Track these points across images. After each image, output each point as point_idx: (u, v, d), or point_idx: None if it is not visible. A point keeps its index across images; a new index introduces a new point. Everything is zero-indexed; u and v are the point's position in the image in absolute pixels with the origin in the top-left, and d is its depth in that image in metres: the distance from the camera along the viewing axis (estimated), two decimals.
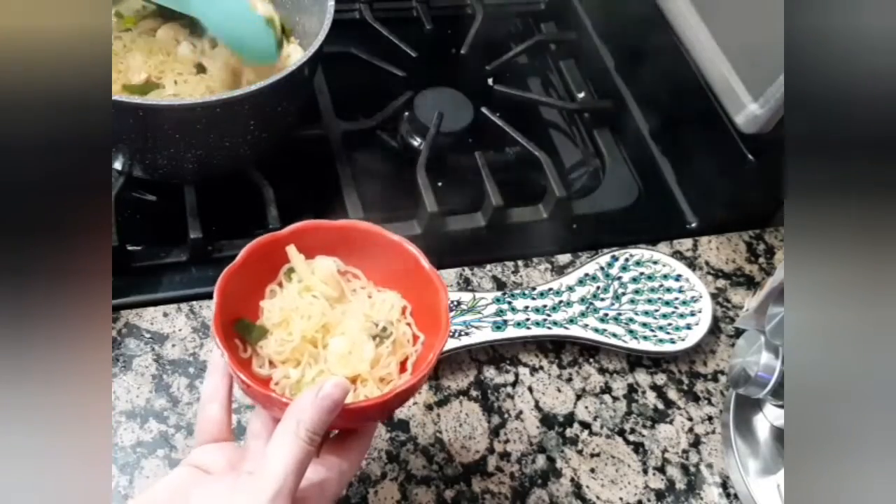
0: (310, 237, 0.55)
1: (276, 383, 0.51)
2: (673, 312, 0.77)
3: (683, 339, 0.75)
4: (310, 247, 0.55)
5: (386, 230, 0.56)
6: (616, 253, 0.80)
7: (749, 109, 0.80)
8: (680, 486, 0.69)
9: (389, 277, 0.56)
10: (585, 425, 0.71)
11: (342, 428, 0.50)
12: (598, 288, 0.77)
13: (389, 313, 0.54)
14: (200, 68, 0.76)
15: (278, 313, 0.53)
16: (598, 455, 0.69)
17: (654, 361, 0.76)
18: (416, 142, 0.89)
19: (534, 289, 0.76)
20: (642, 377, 0.75)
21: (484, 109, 0.91)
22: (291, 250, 0.54)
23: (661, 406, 0.73)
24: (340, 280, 0.55)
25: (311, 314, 0.52)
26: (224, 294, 0.50)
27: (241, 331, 0.52)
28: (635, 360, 0.76)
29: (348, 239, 0.56)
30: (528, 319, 0.74)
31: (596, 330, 0.74)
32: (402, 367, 0.53)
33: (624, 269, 0.79)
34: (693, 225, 0.88)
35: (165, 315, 0.70)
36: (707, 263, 0.84)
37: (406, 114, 0.90)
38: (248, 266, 0.52)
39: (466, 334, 0.71)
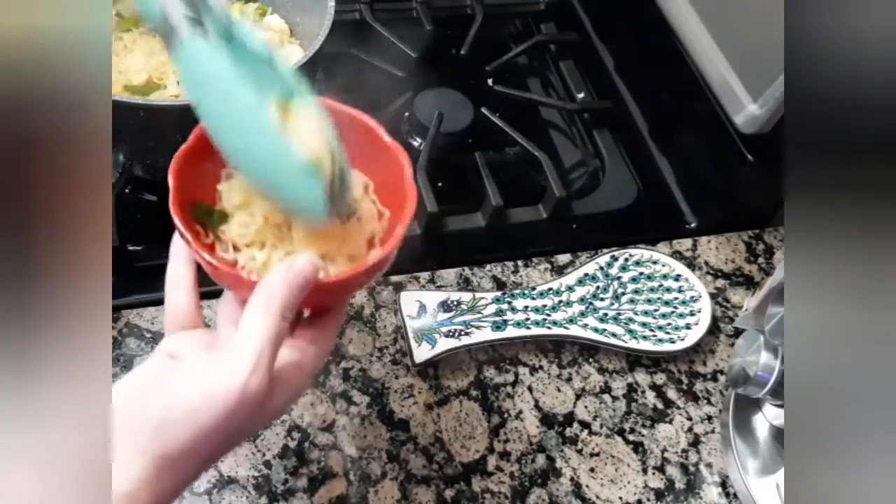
0: None
1: (242, 267, 0.49)
2: (672, 312, 0.77)
3: (683, 339, 0.75)
4: None
5: (340, 104, 0.54)
6: (616, 253, 0.80)
7: (748, 110, 0.80)
8: (679, 485, 0.69)
9: (350, 155, 0.52)
10: (585, 425, 0.71)
11: (313, 306, 0.50)
12: (597, 288, 0.77)
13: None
14: None
15: (238, 195, 0.50)
16: (597, 454, 0.69)
17: (654, 361, 0.76)
18: (416, 142, 0.89)
19: (533, 289, 0.76)
20: (642, 377, 0.75)
21: (484, 110, 0.91)
22: None
23: (660, 406, 0.73)
24: None
25: None
26: (180, 176, 0.48)
27: (201, 217, 0.50)
28: (635, 359, 0.76)
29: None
30: (527, 319, 0.74)
31: (595, 330, 0.74)
32: (370, 244, 0.52)
33: (623, 268, 0.79)
34: (692, 225, 0.88)
35: None
36: (706, 263, 0.84)
37: (406, 114, 0.90)
38: (203, 149, 0.49)
39: (466, 334, 0.71)
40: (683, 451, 0.71)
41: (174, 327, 0.50)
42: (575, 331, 0.74)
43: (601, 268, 0.79)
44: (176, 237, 0.49)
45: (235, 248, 0.50)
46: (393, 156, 0.53)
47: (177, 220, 0.47)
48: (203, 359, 0.45)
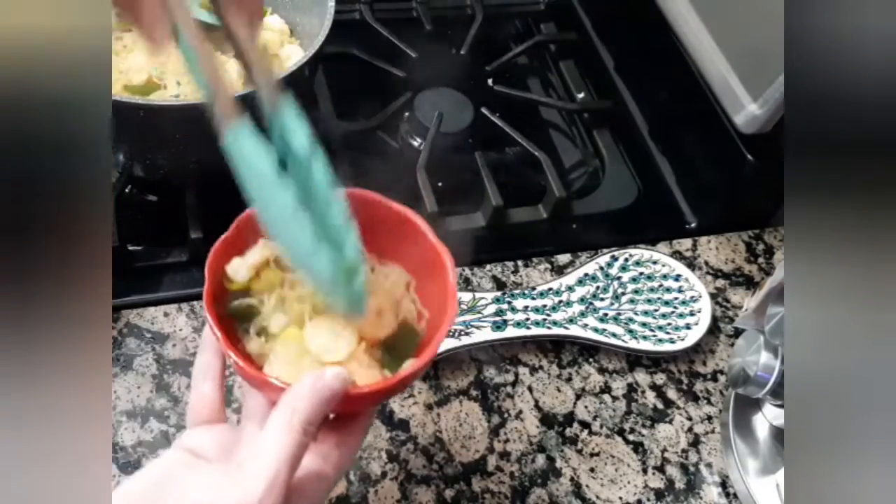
0: None
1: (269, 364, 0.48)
2: (672, 312, 0.77)
3: (683, 339, 0.75)
4: None
5: (387, 198, 0.53)
6: (616, 253, 0.80)
7: (748, 109, 0.80)
8: (679, 485, 0.69)
9: (391, 250, 0.53)
10: (585, 425, 0.71)
11: (341, 413, 0.48)
12: (597, 288, 0.78)
13: (393, 290, 0.52)
14: None
15: (244, 271, 0.49)
16: (597, 454, 0.69)
17: (654, 361, 0.76)
18: (416, 142, 0.89)
19: (533, 289, 0.76)
20: (642, 377, 0.75)
21: (484, 110, 0.91)
22: None
23: (660, 406, 0.73)
24: None
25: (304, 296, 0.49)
26: (215, 269, 0.48)
27: (233, 311, 0.50)
28: (635, 359, 0.76)
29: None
30: (527, 319, 0.74)
31: (595, 330, 0.74)
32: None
33: (623, 268, 0.79)
34: (692, 225, 0.88)
35: (166, 315, 0.70)
36: (706, 263, 0.84)
37: (406, 114, 0.90)
38: (239, 240, 0.50)
39: (466, 334, 0.71)
40: (683, 451, 0.71)
41: (197, 420, 0.49)
42: (575, 331, 0.74)
43: (601, 268, 0.79)
44: (206, 328, 0.49)
45: (266, 334, 0.49)
46: (437, 256, 0.51)
47: (208, 316, 0.46)
48: (221, 464, 0.45)
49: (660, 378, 0.75)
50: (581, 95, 1.00)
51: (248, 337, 0.49)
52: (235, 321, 0.49)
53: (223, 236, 0.49)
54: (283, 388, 0.44)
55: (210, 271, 0.48)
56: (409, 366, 0.48)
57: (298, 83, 0.73)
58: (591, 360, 0.75)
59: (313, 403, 0.43)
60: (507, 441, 0.69)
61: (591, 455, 0.69)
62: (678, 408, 0.73)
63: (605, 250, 0.81)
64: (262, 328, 0.49)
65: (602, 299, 0.77)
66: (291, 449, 0.42)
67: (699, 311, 0.77)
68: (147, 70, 0.74)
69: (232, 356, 0.46)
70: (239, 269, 0.49)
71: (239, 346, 0.48)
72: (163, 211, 0.79)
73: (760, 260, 0.86)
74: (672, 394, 0.74)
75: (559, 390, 0.73)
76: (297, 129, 0.47)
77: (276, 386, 0.45)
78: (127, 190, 0.77)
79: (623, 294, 0.78)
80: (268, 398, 0.47)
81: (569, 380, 0.73)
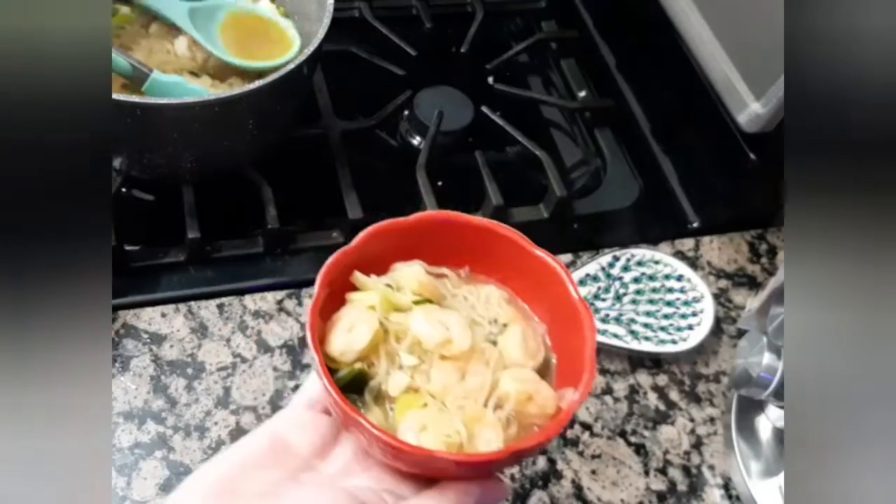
0: (431, 243, 0.49)
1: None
2: (674, 313, 0.76)
3: (685, 340, 0.74)
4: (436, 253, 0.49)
5: (528, 241, 0.50)
6: (617, 253, 0.80)
7: (751, 108, 0.79)
8: (681, 487, 0.69)
9: (531, 303, 0.50)
10: (586, 426, 0.71)
11: (448, 479, 0.44)
12: (599, 288, 0.77)
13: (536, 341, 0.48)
14: (203, 69, 0.75)
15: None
16: (599, 456, 0.69)
17: (656, 362, 0.75)
18: (416, 141, 0.89)
19: None
20: (644, 378, 0.74)
21: (484, 108, 0.91)
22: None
23: (662, 407, 0.73)
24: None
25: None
26: (325, 288, 0.45)
27: (344, 386, 0.45)
28: (637, 360, 0.75)
29: (481, 247, 0.50)
30: None
31: (597, 331, 0.74)
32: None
33: (625, 269, 0.79)
34: (695, 225, 0.87)
35: (163, 315, 0.70)
36: (709, 263, 0.84)
37: (406, 113, 0.90)
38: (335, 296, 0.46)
39: None
40: (686, 453, 0.71)
41: (302, 400, 0.47)
42: None
43: (603, 268, 0.79)
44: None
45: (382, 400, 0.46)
46: (576, 315, 0.47)
47: (330, 391, 0.42)
48: (327, 489, 0.42)
49: (662, 379, 0.75)
50: (582, 94, 0.99)
51: (364, 408, 0.45)
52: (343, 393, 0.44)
53: (314, 299, 0.45)
54: (437, 457, 0.41)
55: (322, 283, 0.45)
56: (532, 438, 0.44)
57: (297, 82, 0.72)
58: None
59: None
60: None
61: (593, 457, 0.69)
62: (680, 409, 0.73)
63: (606, 250, 0.80)
64: (378, 393, 0.45)
65: (604, 300, 0.76)
66: None
67: (701, 312, 0.76)
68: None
69: (385, 439, 0.41)
70: (346, 352, 0.45)
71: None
72: (160, 210, 0.79)
73: (763, 260, 0.85)
74: (674, 395, 0.74)
75: None
76: None
77: (439, 465, 0.42)
78: (124, 189, 0.77)
79: (625, 294, 0.77)
80: (393, 464, 0.44)
81: None
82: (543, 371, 0.48)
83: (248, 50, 0.77)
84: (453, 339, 0.45)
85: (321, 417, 0.46)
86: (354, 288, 0.48)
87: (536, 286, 0.50)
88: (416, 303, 0.47)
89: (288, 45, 0.78)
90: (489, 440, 0.43)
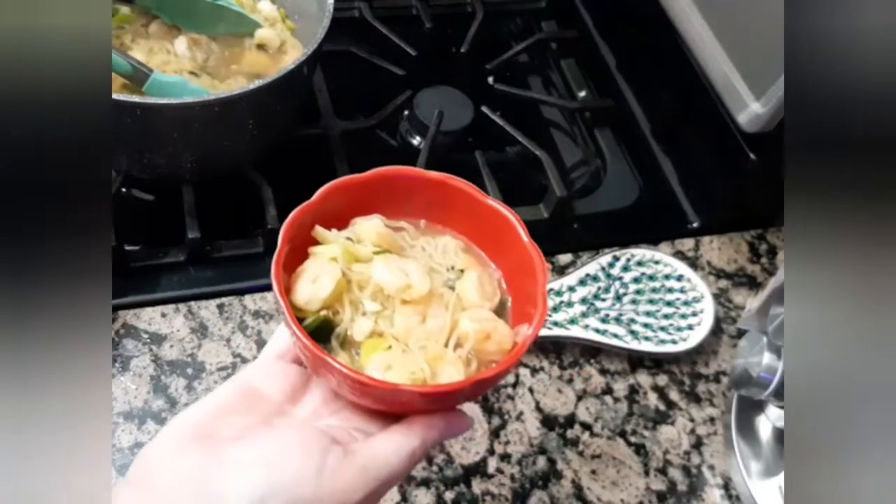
0: (385, 194, 0.50)
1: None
2: (674, 313, 0.76)
3: (685, 340, 0.74)
4: (389, 205, 0.51)
5: (481, 192, 0.51)
6: (617, 253, 0.80)
7: (751, 108, 0.79)
8: (681, 487, 0.69)
9: (485, 248, 0.52)
10: (586, 426, 0.71)
11: (414, 413, 0.46)
12: (599, 288, 0.77)
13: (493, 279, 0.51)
14: (203, 69, 0.75)
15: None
16: (599, 456, 0.69)
17: (656, 362, 0.75)
18: (416, 141, 0.89)
19: None
20: (644, 378, 0.74)
21: (484, 108, 0.91)
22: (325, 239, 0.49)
23: (662, 407, 0.73)
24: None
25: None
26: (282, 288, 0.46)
27: (312, 333, 0.46)
28: (637, 360, 0.75)
29: (437, 199, 0.51)
30: None
31: (597, 330, 0.74)
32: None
33: (625, 269, 0.79)
34: (695, 225, 0.87)
35: (163, 315, 0.70)
36: (709, 263, 0.84)
37: (406, 113, 0.90)
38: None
39: None
40: (686, 453, 0.71)
41: (270, 352, 0.48)
42: (576, 331, 0.73)
43: (603, 268, 0.79)
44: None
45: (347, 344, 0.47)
46: (528, 259, 0.49)
47: (299, 335, 0.43)
48: (299, 430, 0.43)
49: (662, 379, 0.75)
50: (582, 94, 0.99)
51: (332, 354, 0.46)
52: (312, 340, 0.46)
53: (277, 251, 0.46)
54: (394, 389, 0.43)
55: (284, 238, 0.47)
56: (490, 369, 0.46)
57: (297, 82, 0.72)
58: (592, 361, 0.75)
59: (440, 440, 0.44)
60: (507, 443, 0.68)
61: (593, 457, 0.69)
62: (680, 409, 0.73)
63: (606, 250, 0.80)
64: (344, 339, 0.47)
65: (604, 300, 0.76)
66: (403, 475, 0.43)
67: (701, 312, 0.76)
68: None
69: (334, 363, 0.43)
70: (311, 300, 0.47)
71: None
72: (160, 210, 0.79)
73: (763, 260, 0.85)
74: (674, 395, 0.74)
75: (560, 392, 0.72)
76: None
77: (385, 387, 0.43)
78: (124, 189, 0.77)
79: (625, 294, 0.77)
80: (371, 405, 0.46)
81: (570, 381, 0.73)
82: (500, 312, 0.50)
83: None
84: (413, 285, 0.47)
85: (291, 366, 0.48)
86: (316, 243, 0.49)
87: (491, 234, 0.52)
88: (376, 253, 0.49)
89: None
90: (451, 376, 0.45)
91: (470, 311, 0.49)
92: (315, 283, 0.47)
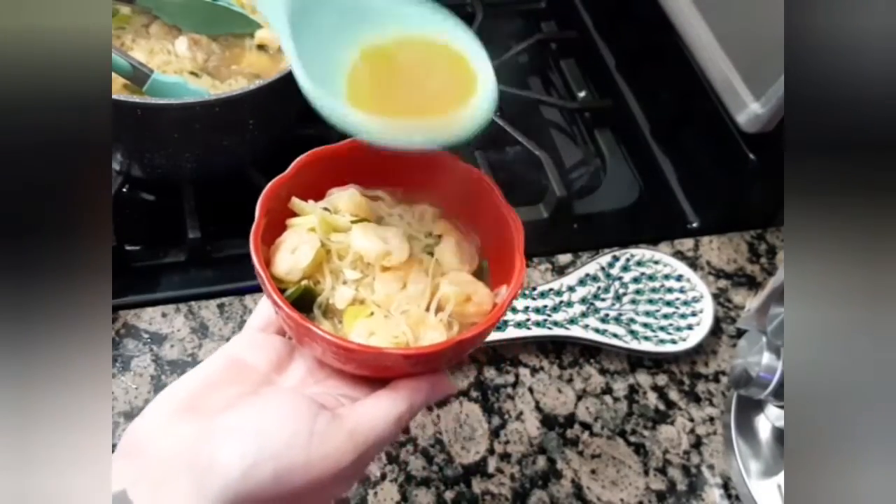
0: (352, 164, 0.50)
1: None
2: (674, 313, 0.76)
3: (685, 340, 0.74)
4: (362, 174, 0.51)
5: (454, 157, 0.51)
6: (617, 253, 0.80)
7: (751, 108, 0.79)
8: (681, 487, 0.69)
9: (463, 212, 0.53)
10: (586, 426, 0.71)
11: (399, 377, 0.47)
12: (598, 288, 0.77)
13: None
14: (203, 70, 0.75)
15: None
16: (598, 456, 0.69)
17: (655, 362, 0.75)
18: None
19: (534, 289, 0.76)
20: (643, 378, 0.74)
21: None
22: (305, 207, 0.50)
23: (662, 407, 0.73)
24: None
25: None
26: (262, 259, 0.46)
27: (294, 302, 0.46)
28: (636, 360, 0.75)
29: (412, 167, 0.51)
30: (528, 320, 0.73)
31: (597, 330, 0.74)
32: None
33: (625, 269, 0.79)
34: (694, 225, 0.88)
35: (164, 315, 0.70)
36: (708, 263, 0.84)
37: None
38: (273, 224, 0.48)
39: None
40: (685, 452, 0.71)
41: (253, 325, 0.50)
42: (576, 331, 0.73)
43: (602, 268, 0.79)
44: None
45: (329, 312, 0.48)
46: (503, 221, 0.50)
47: (281, 305, 0.44)
48: (289, 395, 0.44)
49: (661, 379, 0.75)
50: (582, 94, 0.99)
51: (316, 322, 0.47)
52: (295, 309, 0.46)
53: (255, 223, 0.47)
54: (380, 352, 0.44)
55: (261, 211, 0.47)
56: (472, 329, 0.47)
57: (297, 81, 0.72)
58: (592, 360, 0.75)
59: (425, 403, 0.45)
60: (507, 442, 0.68)
61: (593, 457, 0.69)
62: (680, 409, 0.73)
63: (606, 250, 0.80)
64: (326, 308, 0.48)
65: (603, 300, 0.76)
66: (391, 438, 0.44)
67: (701, 312, 0.76)
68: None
69: (318, 331, 0.43)
70: (292, 271, 0.47)
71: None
72: (160, 210, 0.79)
73: (763, 260, 0.85)
74: (674, 395, 0.74)
75: (560, 391, 0.72)
76: None
77: (369, 351, 0.44)
78: (125, 189, 0.77)
79: (624, 294, 0.77)
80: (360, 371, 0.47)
81: (570, 381, 0.73)
82: (478, 276, 0.51)
83: (394, 96, 0.48)
84: (392, 251, 0.48)
85: (275, 337, 0.49)
86: (294, 214, 0.50)
87: (467, 198, 0.52)
88: (354, 223, 0.49)
89: (468, 88, 0.48)
90: (433, 339, 0.46)
91: (449, 274, 0.49)
92: (294, 253, 0.48)
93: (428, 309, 0.47)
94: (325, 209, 0.50)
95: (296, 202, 0.50)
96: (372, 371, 0.47)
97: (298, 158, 0.50)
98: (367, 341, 0.45)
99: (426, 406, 0.45)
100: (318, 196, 0.51)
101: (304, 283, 0.47)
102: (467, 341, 0.45)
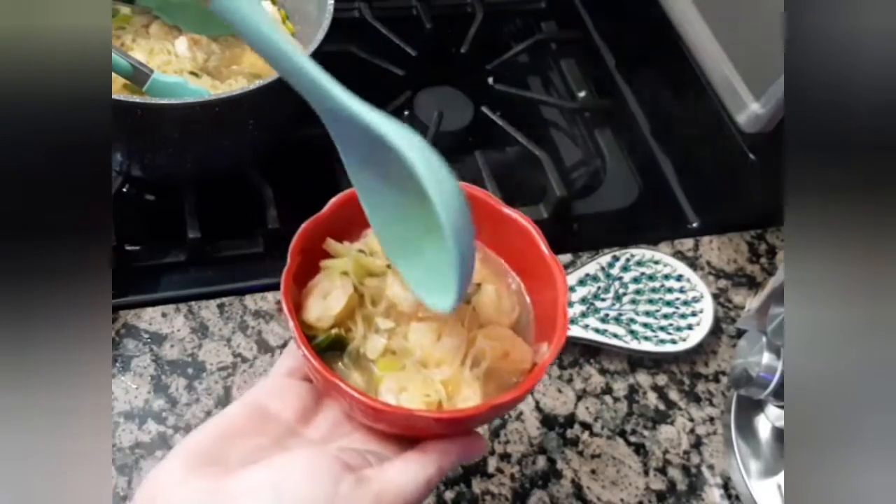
0: None
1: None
2: (674, 313, 0.76)
3: (685, 340, 0.74)
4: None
5: (498, 201, 0.50)
6: (617, 253, 0.80)
7: (751, 108, 0.79)
8: (681, 487, 0.69)
9: (506, 258, 0.51)
10: (586, 426, 0.71)
11: (430, 438, 0.45)
12: (598, 288, 0.77)
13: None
14: (203, 70, 0.75)
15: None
16: (598, 456, 0.69)
17: (655, 362, 0.75)
18: None
19: None
20: (643, 378, 0.74)
21: (484, 109, 0.91)
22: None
23: (662, 407, 0.73)
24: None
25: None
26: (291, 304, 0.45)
27: (322, 350, 0.46)
28: (636, 360, 0.75)
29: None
30: None
31: (597, 330, 0.74)
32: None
33: (625, 269, 0.79)
34: (694, 225, 0.88)
35: (164, 315, 0.70)
36: (708, 263, 0.84)
37: (406, 113, 0.90)
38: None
39: None
40: (685, 452, 0.71)
41: (279, 371, 0.47)
42: (576, 331, 0.73)
43: (602, 268, 0.79)
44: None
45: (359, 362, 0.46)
46: (548, 272, 0.48)
47: (309, 358, 0.43)
48: (310, 450, 0.43)
49: (661, 379, 0.75)
50: (582, 94, 0.99)
51: (344, 373, 0.45)
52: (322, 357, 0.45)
53: (287, 267, 0.45)
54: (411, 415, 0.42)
55: (293, 252, 0.45)
56: (508, 393, 0.44)
57: None
58: (592, 361, 0.75)
59: (456, 464, 0.43)
60: (507, 442, 0.68)
61: (593, 457, 0.69)
62: (680, 409, 0.73)
63: (606, 250, 0.80)
64: (357, 356, 0.46)
65: (603, 300, 0.76)
66: (418, 502, 0.42)
67: (701, 312, 0.76)
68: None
69: (346, 388, 0.41)
70: (322, 317, 0.46)
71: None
72: (161, 211, 0.79)
73: (763, 260, 0.85)
74: (674, 395, 0.74)
75: (560, 391, 0.72)
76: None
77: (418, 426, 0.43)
78: (125, 189, 0.77)
79: (624, 294, 0.77)
80: (374, 425, 0.45)
81: (570, 381, 0.73)
82: (522, 325, 0.49)
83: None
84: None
85: (301, 384, 0.46)
86: (328, 255, 0.48)
87: (509, 245, 0.50)
88: (390, 266, 0.47)
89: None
90: (467, 397, 0.44)
91: (487, 328, 0.47)
92: (326, 298, 0.46)
93: (463, 363, 0.45)
94: (361, 251, 0.48)
95: (330, 243, 0.48)
96: (402, 430, 0.45)
97: (335, 197, 0.48)
98: (398, 398, 0.43)
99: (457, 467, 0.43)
100: (355, 237, 0.49)
101: (334, 331, 0.46)
102: (502, 406, 0.43)
